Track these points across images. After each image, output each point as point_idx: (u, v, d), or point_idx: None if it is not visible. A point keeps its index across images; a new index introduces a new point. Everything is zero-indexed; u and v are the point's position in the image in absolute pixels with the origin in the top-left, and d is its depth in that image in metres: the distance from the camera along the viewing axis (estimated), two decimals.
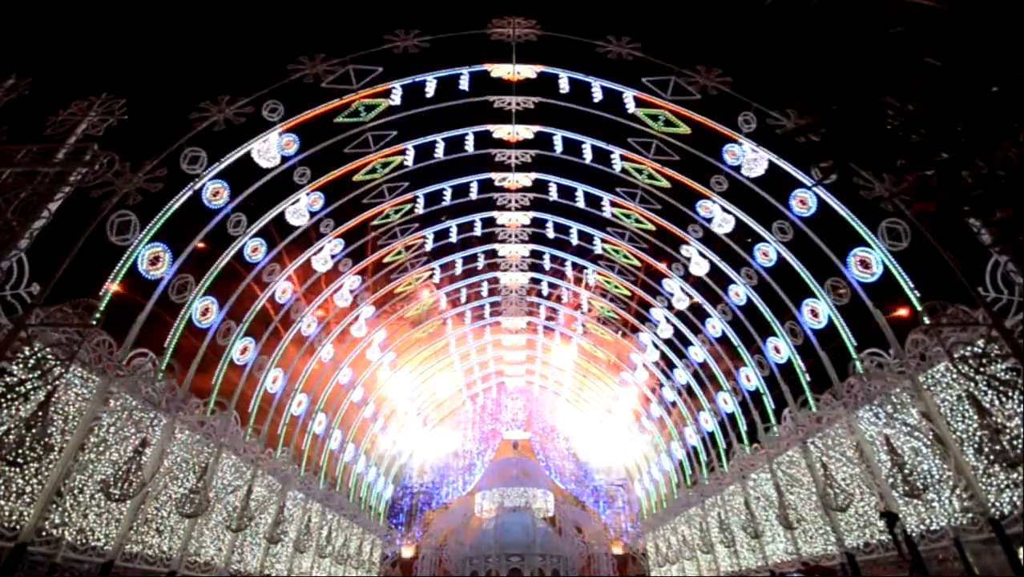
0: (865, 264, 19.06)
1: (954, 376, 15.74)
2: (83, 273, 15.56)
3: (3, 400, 12.95)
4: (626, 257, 30.70)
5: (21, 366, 13.42)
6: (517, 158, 27.04)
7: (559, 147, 26.03)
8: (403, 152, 25.23)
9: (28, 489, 14.05)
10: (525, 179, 28.39)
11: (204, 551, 21.13)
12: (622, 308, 34.45)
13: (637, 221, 27.84)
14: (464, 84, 22.88)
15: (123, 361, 16.83)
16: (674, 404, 35.08)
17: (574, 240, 31.20)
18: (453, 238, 31.11)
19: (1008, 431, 13.56)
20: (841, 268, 19.93)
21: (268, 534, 24.78)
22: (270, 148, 21.18)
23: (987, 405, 14.34)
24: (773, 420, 25.40)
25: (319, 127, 22.29)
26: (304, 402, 29.15)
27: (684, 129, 22.51)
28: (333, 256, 27.03)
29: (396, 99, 22.68)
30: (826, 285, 20.84)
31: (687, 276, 28.25)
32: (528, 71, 22.95)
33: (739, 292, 25.82)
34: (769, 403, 25.82)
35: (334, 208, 25.25)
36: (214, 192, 20.06)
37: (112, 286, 16.75)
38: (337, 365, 31.65)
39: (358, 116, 22.56)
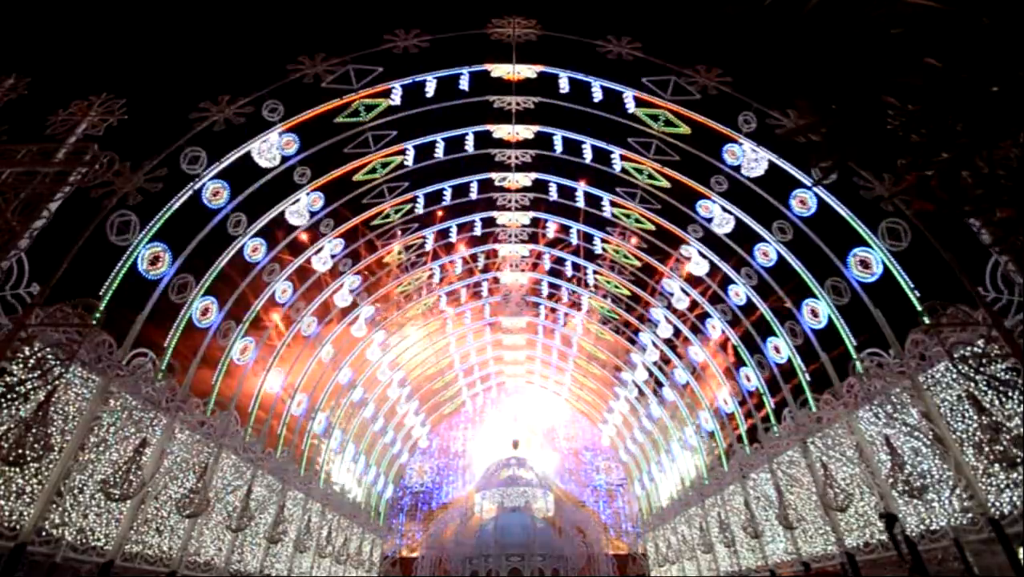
0: (865, 264, 19.08)
1: (954, 376, 15.72)
2: (83, 273, 15.56)
3: (3, 400, 12.94)
4: (626, 257, 30.71)
5: (21, 366, 13.40)
6: (517, 158, 27.04)
7: (559, 147, 26.05)
8: (403, 152, 25.24)
9: (28, 489, 14.03)
10: (525, 179, 28.40)
11: (204, 551, 21.12)
12: (622, 308, 34.48)
13: (637, 221, 27.85)
14: (464, 84, 22.88)
15: (123, 361, 16.82)
16: (674, 403, 35.09)
17: (574, 240, 31.25)
18: (453, 237, 31.16)
19: (1008, 431, 13.56)
20: (841, 268, 19.95)
21: (268, 534, 24.77)
22: (270, 148, 21.18)
23: (987, 405, 14.34)
24: (773, 420, 25.40)
25: (319, 127, 22.31)
26: (304, 402, 29.15)
27: (684, 129, 22.52)
28: (333, 256, 27.03)
29: (396, 99, 22.69)
30: (826, 285, 20.86)
31: (687, 276, 28.27)
32: (528, 71, 22.96)
33: (739, 292, 25.83)
34: (769, 403, 25.83)
35: (334, 208, 25.26)
36: (214, 192, 20.06)
37: (112, 286, 16.75)
38: (337, 365, 31.62)
39: (358, 116, 22.57)
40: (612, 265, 31.88)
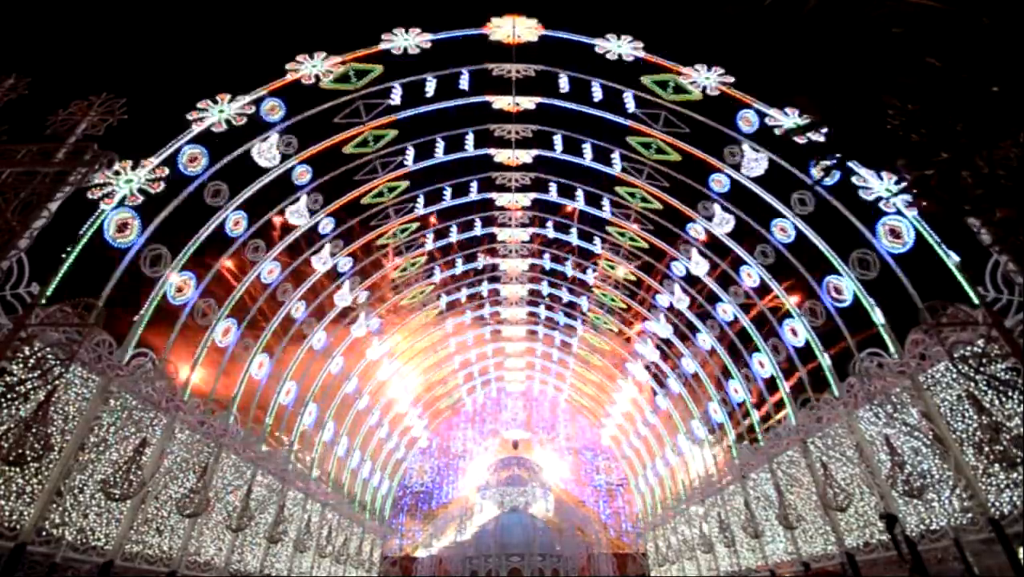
0: (865, 264, 19.11)
1: (954, 376, 15.72)
2: (83, 273, 15.56)
3: (3, 400, 12.93)
4: (632, 240, 30.38)
5: (21, 366, 13.39)
6: (517, 158, 27.03)
7: (559, 147, 26.04)
8: (403, 152, 25.28)
9: (28, 489, 14.03)
10: (524, 178, 28.40)
11: (204, 551, 21.11)
12: (623, 309, 34.47)
13: (639, 214, 27.82)
14: (464, 84, 22.88)
15: (123, 361, 16.81)
16: (674, 403, 35.07)
17: (574, 240, 31.25)
18: (453, 237, 31.19)
19: (1008, 431, 13.55)
20: (841, 267, 19.96)
21: (268, 534, 24.76)
22: (270, 148, 21.19)
23: (987, 405, 14.34)
24: (774, 420, 25.37)
25: (319, 127, 22.34)
26: (302, 399, 29.15)
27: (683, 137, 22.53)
28: (333, 255, 27.02)
29: (396, 99, 22.71)
30: (826, 285, 20.85)
31: (687, 276, 28.26)
32: (528, 71, 22.95)
33: (739, 292, 25.78)
34: (769, 402, 25.79)
35: (334, 208, 25.24)
36: (214, 191, 20.06)
37: (111, 286, 16.73)
38: (335, 363, 31.63)
39: (358, 117, 22.62)
40: (612, 263, 31.81)
